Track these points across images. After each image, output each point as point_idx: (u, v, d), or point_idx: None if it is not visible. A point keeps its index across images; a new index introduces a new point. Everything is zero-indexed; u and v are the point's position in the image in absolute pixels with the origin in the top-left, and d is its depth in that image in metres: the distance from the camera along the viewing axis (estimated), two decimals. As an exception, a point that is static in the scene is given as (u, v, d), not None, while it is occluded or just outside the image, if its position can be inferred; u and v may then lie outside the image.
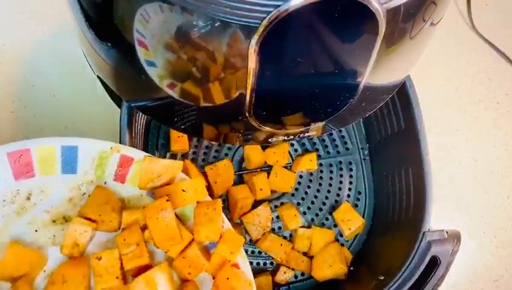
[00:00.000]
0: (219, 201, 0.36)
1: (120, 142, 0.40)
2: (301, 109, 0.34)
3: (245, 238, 0.47)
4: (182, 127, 0.37)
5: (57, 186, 0.37)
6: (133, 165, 0.37)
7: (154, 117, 0.38)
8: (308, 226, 0.50)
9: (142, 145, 0.48)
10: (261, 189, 0.48)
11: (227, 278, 0.35)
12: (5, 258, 0.33)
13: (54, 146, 0.36)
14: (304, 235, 0.48)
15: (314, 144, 0.53)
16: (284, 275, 0.48)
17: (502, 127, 0.61)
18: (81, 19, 0.31)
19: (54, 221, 0.36)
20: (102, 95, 0.50)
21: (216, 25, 0.25)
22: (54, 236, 0.36)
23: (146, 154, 0.37)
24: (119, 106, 0.41)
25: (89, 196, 0.36)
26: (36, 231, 0.36)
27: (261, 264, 0.49)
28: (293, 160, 0.52)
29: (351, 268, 0.49)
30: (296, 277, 0.49)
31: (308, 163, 0.51)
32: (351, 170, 0.53)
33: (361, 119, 0.54)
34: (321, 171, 0.53)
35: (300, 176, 0.52)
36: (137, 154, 0.37)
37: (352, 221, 0.50)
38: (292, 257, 0.48)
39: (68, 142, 0.36)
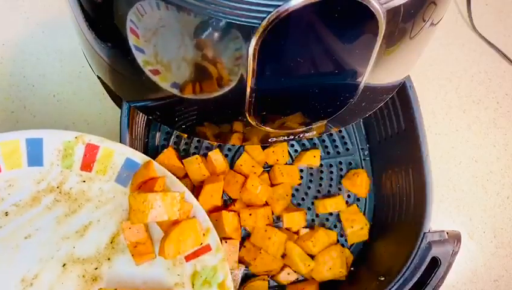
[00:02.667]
0: None
1: (120, 143, 0.40)
2: (301, 109, 0.34)
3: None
4: (182, 127, 0.37)
5: (24, 180, 0.36)
6: (99, 153, 0.37)
7: (154, 117, 0.38)
8: (310, 227, 0.50)
9: (143, 146, 0.48)
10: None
11: None
12: None
13: (18, 139, 0.36)
14: (306, 235, 0.48)
15: (314, 144, 0.53)
16: (287, 276, 0.48)
17: (502, 127, 0.61)
18: (81, 19, 0.31)
19: (22, 215, 0.36)
20: (102, 95, 0.50)
21: (216, 24, 0.25)
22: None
23: (110, 142, 0.37)
24: (119, 106, 0.41)
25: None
26: (5, 225, 0.36)
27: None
28: (292, 159, 0.52)
29: (352, 269, 0.49)
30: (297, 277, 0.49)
31: (312, 159, 0.51)
32: (351, 170, 0.53)
33: (361, 120, 0.54)
34: (321, 172, 0.53)
35: (301, 177, 0.52)
36: (104, 142, 0.37)
37: (356, 221, 0.50)
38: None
39: (32, 134, 0.36)
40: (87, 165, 0.37)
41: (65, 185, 0.37)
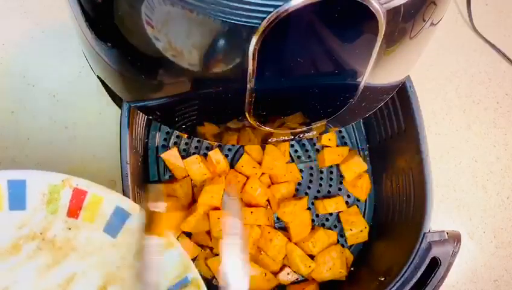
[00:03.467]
0: None
1: (120, 143, 0.40)
2: (301, 109, 0.34)
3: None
4: (182, 127, 0.37)
5: (4, 225, 0.33)
6: (87, 199, 0.35)
7: (154, 117, 0.37)
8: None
9: (143, 146, 0.48)
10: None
11: None
12: None
13: None
14: (306, 236, 0.48)
15: (314, 144, 0.53)
16: (287, 276, 0.48)
17: (502, 127, 0.61)
18: (81, 19, 0.31)
19: (0, 264, 0.33)
20: (102, 95, 0.50)
21: (216, 25, 0.25)
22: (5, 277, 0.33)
23: (101, 189, 0.34)
24: (119, 106, 0.41)
25: None
26: None
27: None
28: (293, 159, 0.52)
29: (352, 269, 0.49)
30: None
31: (336, 157, 0.52)
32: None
33: (361, 120, 0.54)
34: (321, 172, 0.53)
35: (301, 177, 0.52)
36: (92, 188, 0.35)
37: (355, 223, 0.50)
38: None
39: (15, 175, 0.33)
40: (73, 211, 0.34)
41: (49, 232, 0.34)
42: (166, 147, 0.50)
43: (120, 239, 0.35)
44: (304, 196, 0.51)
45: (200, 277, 0.35)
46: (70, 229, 0.35)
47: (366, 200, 0.52)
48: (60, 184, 0.34)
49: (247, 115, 0.32)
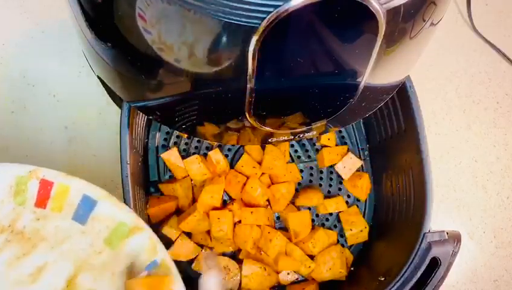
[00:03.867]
0: None
1: (120, 143, 0.40)
2: (301, 109, 0.34)
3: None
4: (182, 127, 0.37)
5: None
6: (54, 189, 0.35)
7: (154, 117, 0.38)
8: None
9: (143, 146, 0.48)
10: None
11: None
12: None
13: None
14: (306, 236, 0.48)
15: (314, 144, 0.53)
16: (287, 276, 0.48)
17: (502, 127, 0.61)
18: (81, 19, 0.31)
19: None
20: (102, 95, 0.50)
21: (216, 25, 0.25)
22: None
23: (68, 178, 0.35)
24: (119, 106, 0.41)
25: None
26: None
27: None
28: (293, 160, 0.52)
29: (352, 269, 0.49)
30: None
31: (335, 156, 0.52)
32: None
33: (361, 120, 0.54)
34: (321, 172, 0.53)
35: (301, 177, 0.52)
36: (59, 178, 0.35)
37: (355, 223, 0.50)
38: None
39: None
40: (41, 201, 0.35)
41: (18, 224, 0.34)
42: (166, 147, 0.50)
43: (89, 226, 0.35)
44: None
45: (169, 258, 0.35)
46: (38, 219, 0.35)
47: (366, 200, 0.52)
48: (26, 176, 0.34)
49: (247, 115, 0.32)
